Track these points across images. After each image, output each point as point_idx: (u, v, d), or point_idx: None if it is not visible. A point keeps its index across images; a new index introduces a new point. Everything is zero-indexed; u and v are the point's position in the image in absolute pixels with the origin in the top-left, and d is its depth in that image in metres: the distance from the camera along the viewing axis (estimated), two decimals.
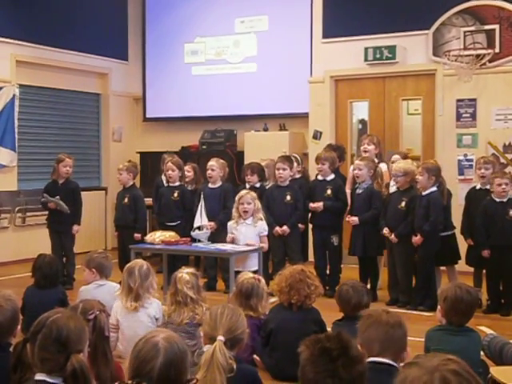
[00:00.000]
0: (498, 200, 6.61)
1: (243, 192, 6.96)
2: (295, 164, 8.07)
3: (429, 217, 6.72)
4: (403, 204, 6.92)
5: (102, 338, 3.23)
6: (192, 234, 6.98)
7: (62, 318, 2.60)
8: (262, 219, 6.90)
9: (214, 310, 3.39)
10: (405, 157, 7.71)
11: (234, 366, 3.06)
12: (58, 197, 7.96)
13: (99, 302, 3.53)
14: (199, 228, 7.03)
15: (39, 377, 2.52)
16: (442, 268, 7.22)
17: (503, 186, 6.55)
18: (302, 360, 2.26)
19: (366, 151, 7.72)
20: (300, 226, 7.80)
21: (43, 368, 2.51)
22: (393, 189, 7.22)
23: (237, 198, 6.92)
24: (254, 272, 6.05)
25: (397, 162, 7.19)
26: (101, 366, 3.07)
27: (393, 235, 6.90)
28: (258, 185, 7.89)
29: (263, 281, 4.85)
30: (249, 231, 6.85)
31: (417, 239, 6.75)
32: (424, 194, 6.80)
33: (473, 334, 3.91)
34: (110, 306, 5.16)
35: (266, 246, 6.88)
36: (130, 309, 4.70)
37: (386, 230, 6.95)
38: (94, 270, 5.25)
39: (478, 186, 7.05)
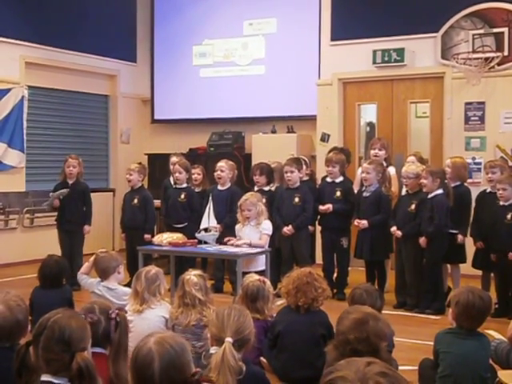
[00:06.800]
0: (500, 204, 6.65)
1: (243, 198, 6.94)
2: (304, 166, 8.06)
3: (434, 219, 6.73)
4: (413, 207, 6.92)
5: (126, 335, 3.24)
6: (197, 235, 6.96)
7: (63, 317, 2.61)
8: (266, 219, 6.90)
9: (220, 311, 3.38)
10: (420, 158, 7.71)
11: (244, 368, 3.06)
12: (51, 194, 8.02)
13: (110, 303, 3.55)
14: (206, 230, 7.02)
15: (45, 378, 2.52)
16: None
17: (500, 192, 6.59)
18: (329, 360, 2.24)
19: (376, 156, 7.71)
20: (309, 227, 7.80)
21: (49, 369, 2.52)
22: (403, 192, 7.25)
23: (238, 204, 6.94)
24: (261, 272, 6.07)
25: (407, 165, 7.19)
26: (122, 364, 3.06)
27: (399, 231, 6.92)
28: (266, 188, 7.88)
29: (268, 283, 4.84)
30: (252, 232, 6.86)
31: (422, 240, 6.76)
32: (429, 196, 6.81)
33: (482, 339, 3.90)
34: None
35: (263, 242, 6.82)
36: (135, 311, 4.74)
37: (394, 228, 6.96)
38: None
39: (488, 190, 7.05)
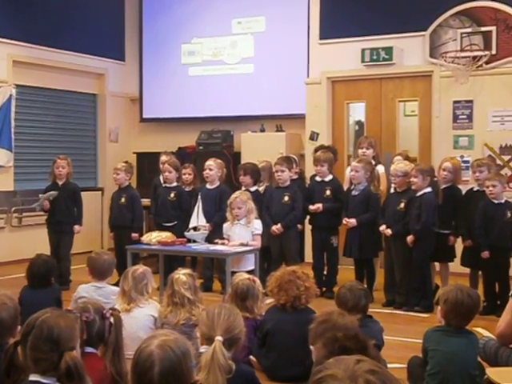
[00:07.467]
0: (496, 202, 6.64)
1: (233, 196, 6.95)
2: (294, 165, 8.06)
3: (421, 217, 6.75)
4: (402, 205, 6.92)
5: (121, 335, 3.24)
6: (186, 234, 6.95)
7: (51, 317, 2.60)
8: (256, 218, 6.91)
9: (210, 310, 3.38)
10: (406, 157, 7.73)
11: (233, 367, 3.05)
12: (40, 195, 7.98)
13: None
14: (195, 229, 7.01)
15: (33, 377, 2.51)
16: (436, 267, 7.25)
17: (490, 188, 6.59)
18: (318, 358, 2.23)
19: (364, 155, 7.72)
20: (298, 226, 7.80)
21: (37, 369, 2.50)
22: (391, 190, 7.26)
23: (228, 203, 6.93)
24: (251, 272, 6.06)
25: (396, 163, 7.19)
26: (122, 363, 3.06)
27: (388, 229, 6.92)
28: (252, 189, 7.85)
29: (258, 281, 4.84)
30: (243, 231, 6.87)
31: (409, 238, 6.77)
32: (418, 194, 6.82)
33: (471, 336, 3.91)
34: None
35: (257, 243, 6.85)
36: (123, 310, 4.73)
37: (383, 226, 6.97)
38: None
39: (476, 188, 7.07)
